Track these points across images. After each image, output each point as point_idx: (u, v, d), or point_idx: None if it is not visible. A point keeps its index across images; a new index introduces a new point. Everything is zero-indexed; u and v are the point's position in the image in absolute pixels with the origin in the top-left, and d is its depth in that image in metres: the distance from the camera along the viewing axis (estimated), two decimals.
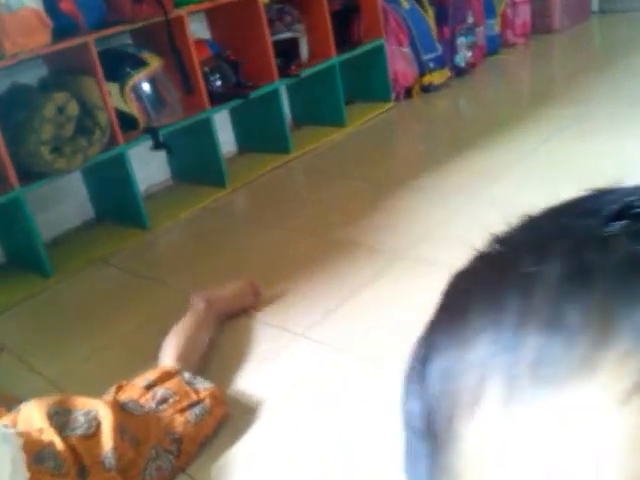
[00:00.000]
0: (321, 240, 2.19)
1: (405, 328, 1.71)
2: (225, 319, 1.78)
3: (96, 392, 1.42)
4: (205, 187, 2.76)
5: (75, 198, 2.60)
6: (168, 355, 1.52)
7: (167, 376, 1.42)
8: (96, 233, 2.55)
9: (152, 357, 1.67)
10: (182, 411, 1.36)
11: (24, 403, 1.27)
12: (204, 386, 1.42)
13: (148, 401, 1.36)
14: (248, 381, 1.54)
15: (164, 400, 1.36)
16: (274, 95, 2.87)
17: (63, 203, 2.56)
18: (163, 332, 1.79)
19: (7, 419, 1.24)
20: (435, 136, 3.04)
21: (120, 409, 1.29)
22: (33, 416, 1.22)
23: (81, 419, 1.24)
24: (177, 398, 1.37)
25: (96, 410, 1.25)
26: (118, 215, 2.57)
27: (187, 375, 1.44)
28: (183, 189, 2.84)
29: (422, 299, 1.75)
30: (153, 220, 2.51)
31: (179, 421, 1.33)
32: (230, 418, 1.42)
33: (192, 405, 1.37)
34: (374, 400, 1.41)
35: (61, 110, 2.08)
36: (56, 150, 2.11)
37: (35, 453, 1.12)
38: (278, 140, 3.00)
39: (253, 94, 2.75)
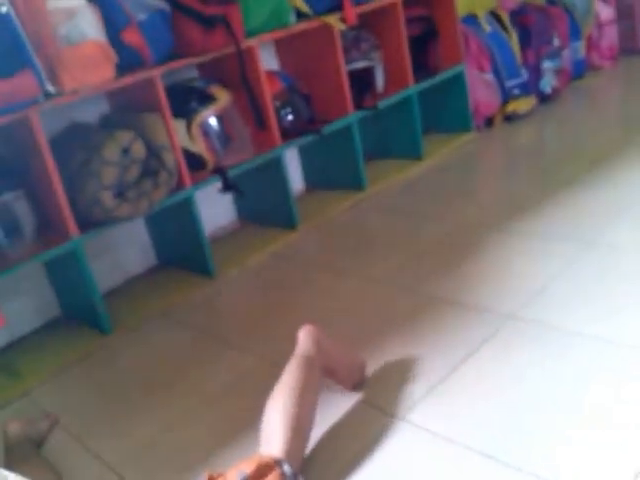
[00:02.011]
0: (409, 295, 1.92)
1: (520, 410, 1.37)
2: (325, 378, 1.48)
3: None
4: (274, 229, 2.54)
5: (137, 243, 2.41)
6: (275, 433, 1.25)
7: (265, 470, 1.16)
8: (158, 282, 2.34)
9: (229, 437, 1.45)
10: None
11: None
12: None
13: None
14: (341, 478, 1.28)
15: None
16: (348, 129, 2.64)
17: (124, 249, 2.37)
18: (236, 407, 1.56)
19: None
20: (524, 170, 2.75)
21: None
22: None
23: None
24: None
25: None
26: (182, 262, 2.36)
27: (288, 471, 1.17)
28: (250, 231, 2.61)
29: (542, 371, 1.45)
30: (219, 267, 2.29)
31: None
32: None
33: None
34: None
35: (126, 151, 1.89)
36: (119, 195, 1.92)
37: None
38: (351, 176, 2.76)
39: (326, 129, 2.52)
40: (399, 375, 1.55)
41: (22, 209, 1.85)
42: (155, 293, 2.25)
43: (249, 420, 1.42)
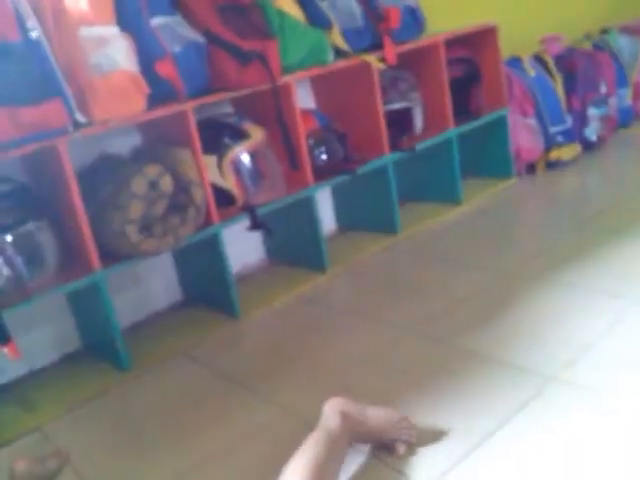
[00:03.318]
0: (442, 348, 1.80)
1: None
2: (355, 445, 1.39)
3: None
4: (302, 270, 2.45)
5: (162, 278, 2.35)
6: None
7: None
8: (182, 319, 2.27)
9: None
10: None
11: None
12: None
13: None
14: None
15: None
16: (383, 170, 2.57)
17: (149, 283, 2.32)
18: (252, 460, 1.46)
19: None
20: (567, 219, 2.62)
21: None
22: None
23: None
24: None
25: None
26: (207, 299, 2.29)
27: None
28: (278, 271, 2.54)
29: (587, 441, 1.30)
30: (244, 307, 2.21)
31: None
32: None
33: None
34: None
35: (153, 185, 1.84)
36: (145, 230, 1.86)
37: None
38: (384, 219, 2.68)
39: (361, 169, 2.45)
40: (427, 439, 1.43)
41: (45, 239, 1.81)
42: (178, 331, 2.18)
43: (265, 477, 1.32)
